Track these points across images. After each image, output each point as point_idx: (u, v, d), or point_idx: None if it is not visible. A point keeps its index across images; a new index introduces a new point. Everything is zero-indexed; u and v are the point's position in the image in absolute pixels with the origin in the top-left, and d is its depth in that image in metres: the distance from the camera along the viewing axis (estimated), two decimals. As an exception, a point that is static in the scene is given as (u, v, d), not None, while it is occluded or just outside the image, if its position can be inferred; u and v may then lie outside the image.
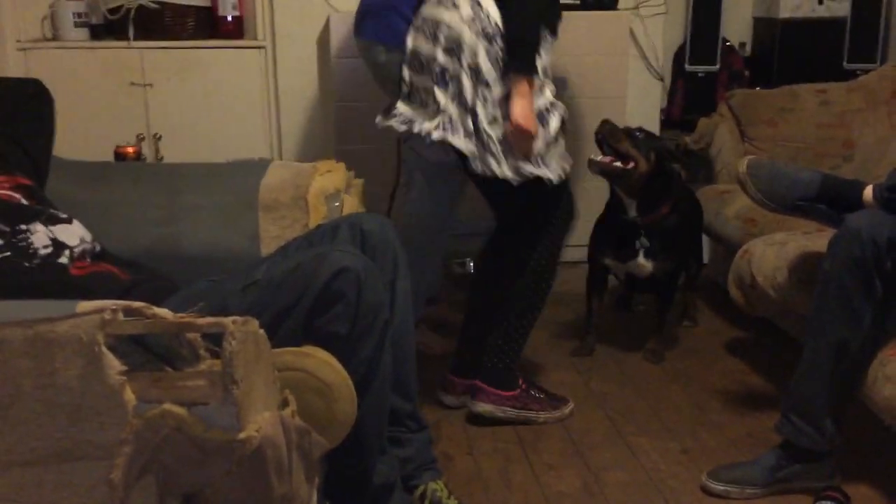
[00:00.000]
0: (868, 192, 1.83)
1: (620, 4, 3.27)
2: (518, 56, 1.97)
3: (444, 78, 2.01)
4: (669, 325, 2.70)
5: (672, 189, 2.48)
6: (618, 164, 2.41)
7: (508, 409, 2.22)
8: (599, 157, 2.42)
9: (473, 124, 2.00)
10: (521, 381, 2.25)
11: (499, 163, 2.02)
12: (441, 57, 2.01)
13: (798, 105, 2.89)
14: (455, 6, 2.01)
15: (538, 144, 2.03)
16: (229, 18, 3.22)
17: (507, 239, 2.22)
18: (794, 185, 1.90)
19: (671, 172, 2.46)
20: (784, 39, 3.47)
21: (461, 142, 2.01)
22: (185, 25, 3.18)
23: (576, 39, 3.20)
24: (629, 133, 2.44)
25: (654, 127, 3.44)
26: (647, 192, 2.45)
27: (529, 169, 2.03)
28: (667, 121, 3.56)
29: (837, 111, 2.87)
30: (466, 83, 1.98)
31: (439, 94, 2.02)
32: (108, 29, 3.22)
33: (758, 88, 3.27)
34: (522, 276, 2.19)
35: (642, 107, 3.42)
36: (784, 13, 3.46)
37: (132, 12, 3.11)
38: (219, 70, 3.20)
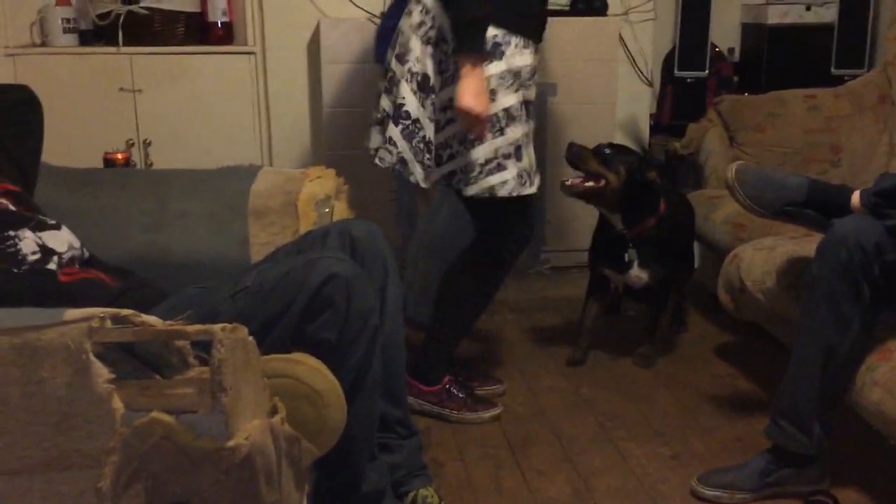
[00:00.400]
0: (856, 197, 1.84)
1: (610, 10, 3.28)
2: (459, 35, 1.93)
3: (392, 83, 2.05)
4: (662, 330, 2.71)
5: (656, 198, 2.47)
6: (589, 183, 2.40)
7: (424, 403, 2.26)
8: (570, 180, 2.41)
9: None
10: (445, 379, 2.28)
11: (423, 169, 2.05)
12: (393, 63, 2.05)
13: (786, 110, 2.90)
14: (409, 14, 2.04)
15: (496, 142, 2.02)
16: (219, 24, 3.22)
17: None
18: (782, 190, 1.90)
19: (651, 182, 2.44)
20: (772, 45, 3.50)
21: (399, 149, 2.06)
22: (174, 31, 3.18)
23: (565, 45, 3.22)
24: (597, 151, 2.42)
25: (643, 131, 3.46)
26: (628, 205, 2.44)
27: (462, 185, 2.04)
28: (656, 126, 3.57)
29: (825, 116, 2.89)
30: (405, 88, 2.02)
31: (383, 100, 2.07)
32: (97, 35, 3.21)
33: (746, 94, 3.29)
34: (463, 280, 2.24)
35: (631, 112, 3.43)
36: (772, 19, 3.48)
37: (121, 18, 3.10)
38: (209, 76, 3.19)
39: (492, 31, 1.97)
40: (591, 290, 2.63)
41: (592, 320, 2.63)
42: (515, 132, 2.04)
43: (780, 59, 3.49)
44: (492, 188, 2.05)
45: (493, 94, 1.99)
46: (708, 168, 2.96)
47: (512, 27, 2.00)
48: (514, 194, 2.07)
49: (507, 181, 2.05)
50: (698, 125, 3.00)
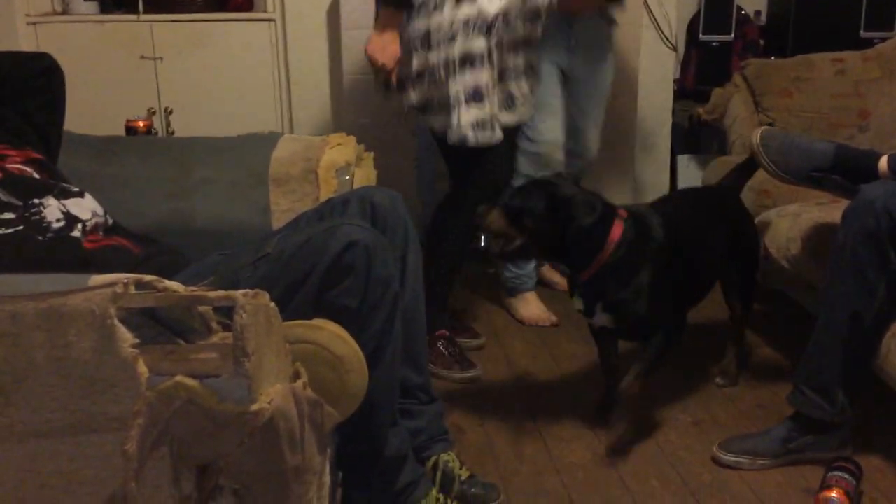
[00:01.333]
0: (883, 162, 1.82)
1: (634, -27, 3.23)
2: None
3: None
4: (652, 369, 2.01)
5: (603, 235, 1.87)
6: (502, 247, 1.91)
7: None
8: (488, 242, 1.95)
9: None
10: (437, 333, 2.32)
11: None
12: None
13: (813, 75, 2.85)
14: None
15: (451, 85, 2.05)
16: (239, -9, 3.21)
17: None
18: (808, 155, 1.88)
19: (577, 229, 1.85)
20: (799, 8, 3.42)
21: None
22: (194, -2, 3.17)
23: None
24: (506, 208, 1.89)
25: (667, 97, 3.41)
26: (563, 251, 1.91)
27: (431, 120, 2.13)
28: (680, 91, 3.52)
29: (853, 80, 2.84)
30: None
31: None
32: (117, 2, 3.21)
33: (772, 58, 3.23)
34: (444, 226, 2.29)
35: (655, 77, 3.39)
36: (800, -19, 3.41)
37: (141, -15, 3.10)
38: (229, 43, 3.19)
39: None
40: (597, 340, 2.15)
41: (612, 365, 2.15)
42: (478, 77, 2.05)
43: (808, 21, 3.42)
44: (439, 131, 2.10)
45: (453, 37, 2.03)
46: (733, 134, 2.92)
47: None
48: (466, 142, 2.09)
49: (453, 126, 2.08)
50: (723, 90, 2.96)
